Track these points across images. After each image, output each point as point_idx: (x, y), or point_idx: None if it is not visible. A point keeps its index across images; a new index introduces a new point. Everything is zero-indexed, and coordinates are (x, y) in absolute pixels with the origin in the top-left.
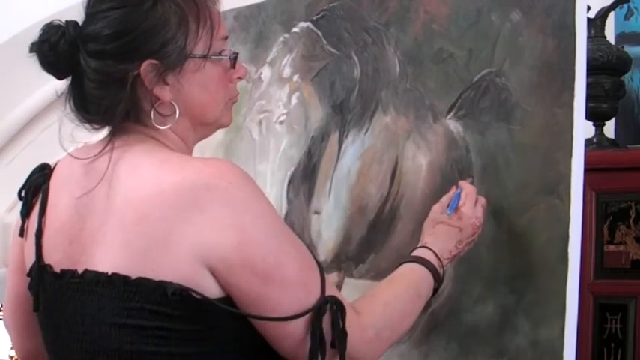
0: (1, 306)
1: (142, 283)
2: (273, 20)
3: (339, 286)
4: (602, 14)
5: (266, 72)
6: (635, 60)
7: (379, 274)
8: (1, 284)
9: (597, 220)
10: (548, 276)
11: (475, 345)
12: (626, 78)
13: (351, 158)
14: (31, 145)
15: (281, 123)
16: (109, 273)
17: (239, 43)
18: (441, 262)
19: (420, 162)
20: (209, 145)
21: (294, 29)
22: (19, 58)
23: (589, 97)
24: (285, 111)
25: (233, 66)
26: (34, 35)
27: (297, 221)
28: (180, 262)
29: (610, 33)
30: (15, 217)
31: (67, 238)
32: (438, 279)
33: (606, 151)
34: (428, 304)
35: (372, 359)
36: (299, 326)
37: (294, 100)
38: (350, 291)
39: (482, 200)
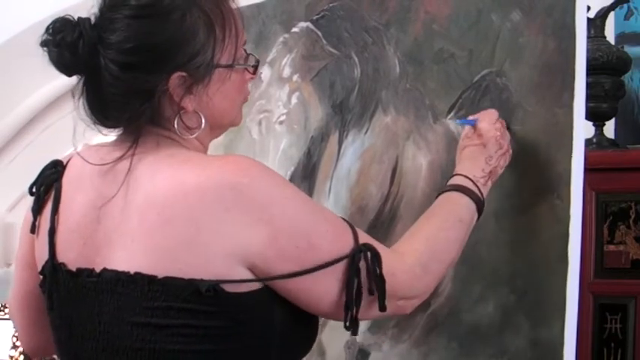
0: (1, 306)
1: (170, 282)
2: (273, 20)
3: None
4: (602, 14)
5: (266, 72)
6: (635, 60)
7: None
8: (2, 284)
9: (597, 220)
10: (549, 276)
11: (475, 345)
12: (626, 78)
13: (350, 158)
14: (31, 145)
15: (281, 123)
16: (132, 272)
17: None
18: (475, 183)
19: (420, 162)
20: (209, 145)
21: (294, 29)
22: (19, 58)
23: (589, 97)
24: (285, 111)
25: (254, 73)
26: (34, 35)
27: None
28: (211, 261)
29: (610, 33)
30: (15, 217)
31: (82, 238)
32: (477, 200)
33: (606, 151)
34: (428, 304)
35: (427, 293)
36: (335, 279)
37: (294, 100)
38: None
39: (500, 120)
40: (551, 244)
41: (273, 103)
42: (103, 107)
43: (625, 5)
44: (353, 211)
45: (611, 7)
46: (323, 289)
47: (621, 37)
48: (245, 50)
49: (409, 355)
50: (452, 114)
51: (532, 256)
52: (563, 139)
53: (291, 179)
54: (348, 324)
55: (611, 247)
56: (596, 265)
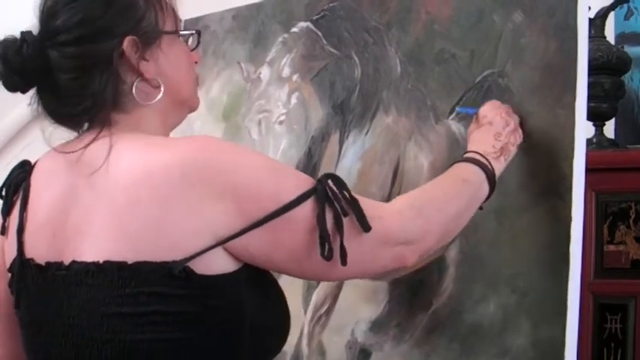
0: None
1: (140, 267)
2: (273, 20)
3: (339, 287)
4: (602, 14)
5: (265, 72)
6: (635, 60)
7: (380, 274)
8: None
9: (597, 220)
10: (550, 276)
11: (477, 345)
12: (626, 78)
13: (351, 159)
14: (31, 145)
15: (280, 123)
16: (101, 261)
17: (238, 42)
18: (486, 158)
19: (421, 162)
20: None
21: (294, 29)
22: None
23: (589, 97)
24: (284, 111)
25: (196, 44)
26: None
27: None
28: (181, 241)
29: (610, 33)
30: None
31: (51, 232)
32: (486, 170)
33: (606, 151)
34: (429, 304)
35: (429, 240)
36: (307, 217)
37: (293, 100)
38: (350, 291)
39: (498, 102)
40: (552, 245)
41: (273, 103)
42: (63, 101)
43: (625, 5)
44: None
45: (611, 7)
46: (298, 230)
47: (621, 37)
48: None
49: (411, 355)
50: (453, 114)
51: (533, 256)
52: (565, 140)
53: None
54: (327, 253)
55: (611, 247)
56: (596, 265)
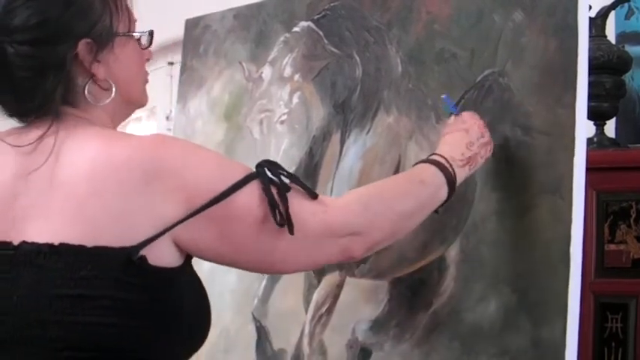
0: None
1: (100, 251)
2: (274, 20)
3: (340, 286)
4: (603, 14)
5: (267, 71)
6: (635, 59)
7: (381, 274)
8: None
9: (598, 219)
10: (550, 275)
11: (477, 344)
12: (626, 77)
13: (352, 158)
14: None
15: (282, 122)
16: (56, 244)
17: (239, 42)
18: (450, 163)
19: None
20: (209, 145)
21: (295, 29)
22: None
23: (590, 97)
24: (286, 110)
25: (150, 43)
26: None
27: None
28: (139, 232)
29: (611, 32)
30: None
31: None
32: (447, 175)
33: (607, 151)
34: (429, 304)
35: (377, 233)
36: (251, 196)
37: (295, 100)
38: (351, 291)
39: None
40: (552, 244)
41: (275, 103)
42: (15, 95)
43: (625, 5)
44: None
45: (612, 7)
46: (240, 218)
47: (622, 37)
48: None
49: (411, 354)
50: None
51: (534, 256)
52: (565, 139)
53: None
54: (279, 219)
55: (612, 247)
56: (597, 264)
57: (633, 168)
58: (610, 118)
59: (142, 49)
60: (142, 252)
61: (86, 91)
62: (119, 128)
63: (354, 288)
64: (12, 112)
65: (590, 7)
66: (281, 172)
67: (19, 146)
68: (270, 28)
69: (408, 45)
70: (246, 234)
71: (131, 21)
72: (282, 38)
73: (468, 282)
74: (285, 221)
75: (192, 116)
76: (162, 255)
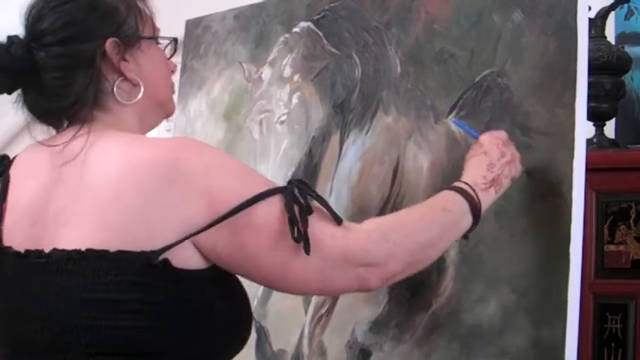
0: None
1: (122, 256)
2: (274, 20)
3: None
4: (603, 14)
5: (267, 72)
6: (635, 60)
7: None
8: None
9: (598, 220)
10: (550, 276)
11: (477, 345)
12: (626, 78)
13: (352, 158)
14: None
15: (282, 123)
16: (83, 249)
17: (239, 42)
18: (473, 189)
19: (421, 162)
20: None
21: (295, 29)
22: None
23: (589, 97)
24: (285, 111)
25: (174, 51)
26: None
27: None
28: (160, 235)
29: (610, 33)
30: None
31: (31, 220)
32: (470, 200)
33: (607, 151)
34: (429, 304)
35: (394, 264)
36: (272, 210)
37: (294, 100)
38: None
39: (502, 132)
40: (552, 244)
41: (274, 103)
42: (49, 99)
43: (625, 5)
44: (354, 212)
45: (612, 7)
46: (259, 231)
47: (622, 37)
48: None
49: (410, 355)
50: (453, 114)
51: (533, 256)
52: (565, 140)
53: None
54: (296, 235)
55: (612, 247)
56: (597, 265)
57: (633, 169)
58: (610, 118)
59: (169, 57)
60: (165, 255)
61: (115, 89)
62: None
63: None
64: (42, 112)
65: (590, 8)
66: (310, 193)
67: (52, 145)
68: (270, 28)
69: (407, 45)
70: (262, 247)
71: (155, 29)
72: (281, 39)
73: (468, 282)
74: (302, 238)
75: (192, 116)
76: (187, 257)
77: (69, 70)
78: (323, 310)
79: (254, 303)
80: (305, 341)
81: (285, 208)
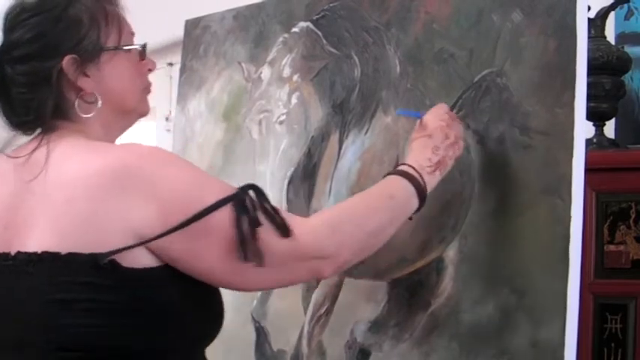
0: None
1: (72, 258)
2: (273, 20)
3: (338, 287)
4: (603, 14)
5: (266, 72)
6: (635, 60)
7: (379, 274)
8: None
9: (597, 220)
10: (549, 276)
11: (476, 345)
12: (626, 78)
13: (351, 158)
14: None
15: (281, 123)
16: (40, 252)
17: (239, 42)
18: (418, 171)
19: None
20: (208, 145)
21: (294, 29)
22: None
23: (589, 97)
24: (285, 111)
25: (143, 56)
26: None
27: None
28: (109, 238)
29: (610, 33)
30: None
31: (2, 225)
32: (417, 185)
33: (606, 151)
34: (428, 304)
35: (346, 255)
36: (223, 223)
37: (294, 100)
38: (350, 291)
39: (448, 112)
40: (551, 245)
41: (273, 103)
42: (14, 109)
43: (625, 5)
44: None
45: (612, 7)
46: (214, 238)
47: (621, 37)
48: (133, 41)
49: (410, 355)
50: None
51: (532, 257)
52: (564, 140)
53: (292, 179)
54: (241, 253)
55: (612, 247)
56: (597, 265)
57: (633, 169)
58: (609, 118)
59: (141, 59)
60: (114, 256)
61: (76, 104)
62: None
63: (353, 289)
64: (14, 126)
65: (590, 8)
66: (262, 201)
67: (15, 157)
68: (269, 28)
69: (406, 45)
70: (214, 254)
71: (123, 34)
72: (281, 39)
73: (467, 282)
74: (250, 257)
75: (192, 117)
76: (136, 257)
77: (30, 87)
78: (322, 310)
79: (253, 303)
80: (304, 341)
81: (235, 225)
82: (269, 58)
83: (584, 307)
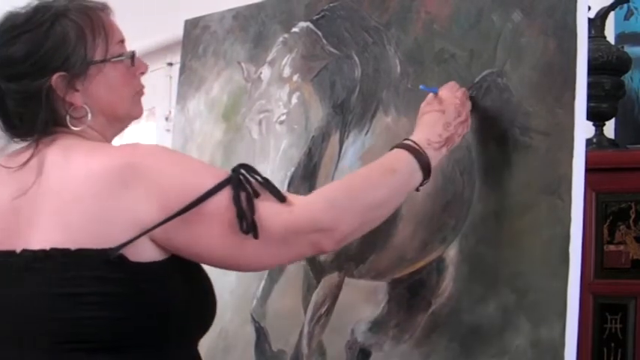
0: None
1: (82, 253)
2: (273, 20)
3: (339, 287)
4: (602, 14)
5: (266, 72)
6: (635, 60)
7: (380, 274)
8: None
9: (597, 220)
10: (549, 276)
11: (476, 345)
12: (626, 78)
13: (351, 158)
14: None
15: (281, 123)
16: (47, 249)
17: (238, 42)
18: (422, 147)
19: None
20: (208, 145)
21: (294, 29)
22: None
23: (589, 97)
24: (285, 111)
25: (133, 63)
26: None
27: None
28: (117, 232)
29: (610, 33)
30: None
31: (4, 225)
32: (420, 160)
33: (606, 151)
34: (428, 304)
35: (346, 227)
36: (223, 204)
37: (294, 100)
38: (350, 291)
39: (462, 89)
40: (552, 244)
41: (274, 103)
42: (8, 120)
43: (625, 5)
44: None
45: (611, 7)
46: (213, 222)
47: (621, 37)
48: (124, 46)
49: (410, 355)
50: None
51: (533, 256)
52: (564, 140)
53: (292, 179)
54: (245, 228)
55: (612, 247)
56: (597, 265)
57: (632, 169)
58: (609, 118)
59: (132, 65)
60: (122, 251)
61: (67, 117)
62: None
63: (353, 289)
64: (11, 136)
65: (590, 8)
66: (254, 175)
67: (9, 167)
68: (269, 28)
69: (406, 45)
70: (214, 235)
71: (110, 45)
72: (280, 39)
73: (467, 282)
74: (250, 229)
75: (192, 117)
76: (143, 251)
77: (22, 102)
78: (322, 310)
79: (253, 302)
80: (304, 341)
81: (233, 202)
82: (269, 58)
83: (584, 307)
